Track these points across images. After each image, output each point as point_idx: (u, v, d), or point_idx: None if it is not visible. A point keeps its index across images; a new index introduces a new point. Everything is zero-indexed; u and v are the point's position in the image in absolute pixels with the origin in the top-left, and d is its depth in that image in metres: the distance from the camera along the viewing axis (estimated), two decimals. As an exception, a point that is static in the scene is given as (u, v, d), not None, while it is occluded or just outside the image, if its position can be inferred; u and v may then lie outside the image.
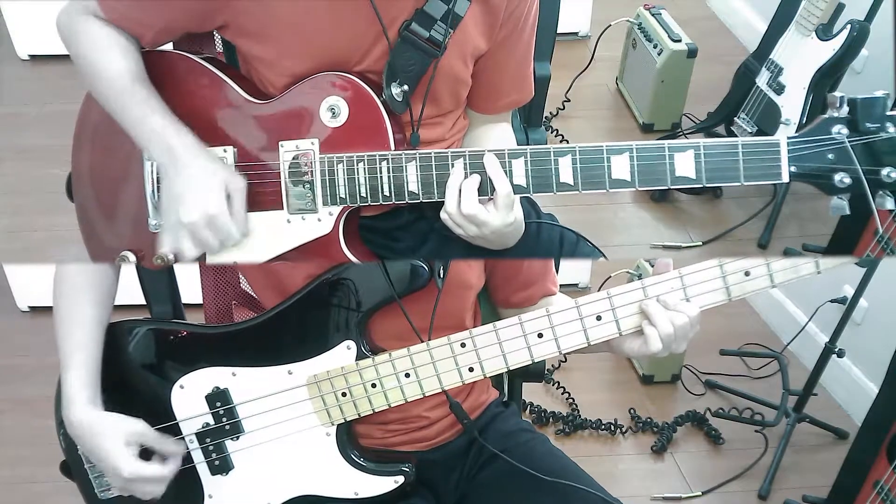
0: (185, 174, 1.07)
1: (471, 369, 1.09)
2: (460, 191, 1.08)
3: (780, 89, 2.39)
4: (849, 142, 1.00)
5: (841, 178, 1.01)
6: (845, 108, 1.00)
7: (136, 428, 1.10)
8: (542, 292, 1.25)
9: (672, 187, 1.06)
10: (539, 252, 1.24)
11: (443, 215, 1.10)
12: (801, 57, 2.33)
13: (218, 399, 1.14)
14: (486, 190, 1.08)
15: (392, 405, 1.12)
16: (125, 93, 1.09)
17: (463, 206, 1.07)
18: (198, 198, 1.07)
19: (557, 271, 1.30)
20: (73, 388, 1.10)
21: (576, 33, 3.41)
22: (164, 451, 1.12)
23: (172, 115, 1.10)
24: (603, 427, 2.30)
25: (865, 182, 1.00)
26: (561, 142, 2.86)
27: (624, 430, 2.31)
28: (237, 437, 1.15)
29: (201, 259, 1.17)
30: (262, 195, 1.14)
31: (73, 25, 1.13)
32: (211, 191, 1.07)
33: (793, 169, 1.02)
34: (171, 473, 1.11)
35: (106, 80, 1.10)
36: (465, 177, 1.08)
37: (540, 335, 1.06)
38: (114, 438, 1.08)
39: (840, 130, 1.00)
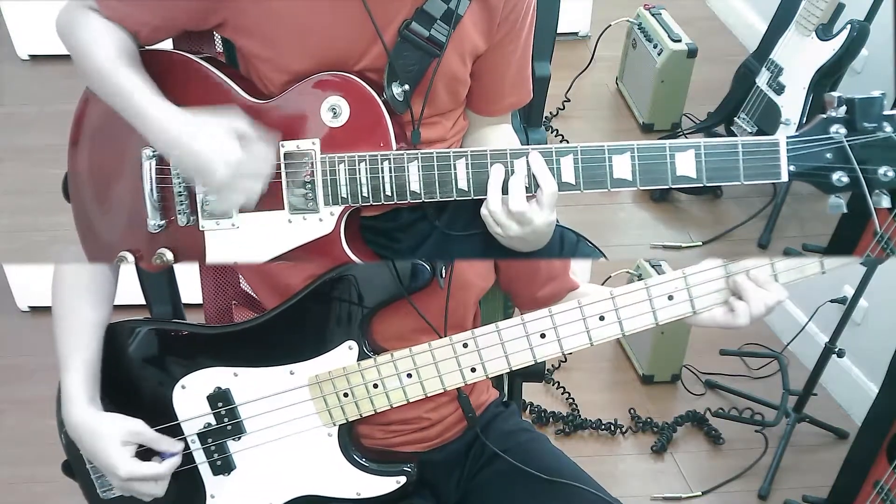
0: (190, 148, 1.05)
1: (473, 370, 1.09)
2: (504, 189, 1.07)
3: (780, 89, 2.39)
4: (847, 141, 1.01)
5: (839, 177, 1.02)
6: (843, 108, 1.01)
7: (133, 427, 1.10)
8: (567, 286, 1.25)
9: (673, 187, 1.06)
10: (539, 252, 1.24)
11: (483, 212, 1.10)
12: (801, 57, 2.33)
13: (220, 399, 1.14)
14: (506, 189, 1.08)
15: (394, 405, 1.12)
16: (114, 80, 1.08)
17: (512, 204, 1.07)
18: (215, 159, 1.04)
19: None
20: (73, 389, 1.10)
21: (576, 33, 3.41)
22: (162, 449, 1.12)
23: (159, 96, 1.08)
24: (603, 427, 2.30)
25: (863, 181, 1.01)
26: (561, 142, 2.86)
27: (624, 430, 2.31)
28: (239, 438, 1.15)
29: (201, 259, 1.17)
30: (262, 195, 1.13)
31: (72, 21, 1.12)
32: (221, 145, 1.04)
33: (792, 168, 1.03)
34: (169, 472, 1.11)
35: (97, 70, 1.09)
36: (506, 175, 1.08)
37: (542, 335, 1.06)
38: (110, 438, 1.08)
39: (838, 130, 1.01)
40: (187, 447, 1.15)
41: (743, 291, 1.02)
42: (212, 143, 1.05)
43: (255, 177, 1.09)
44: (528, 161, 1.07)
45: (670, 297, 1.04)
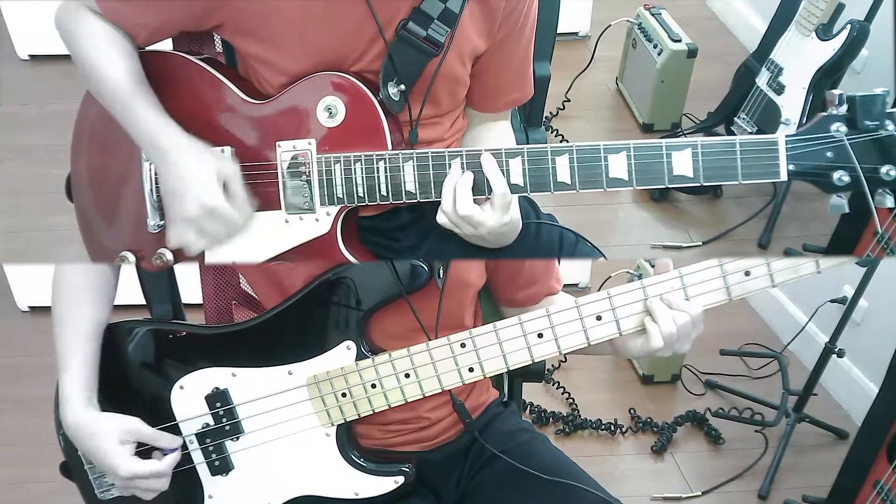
0: (176, 171, 1.07)
1: (471, 369, 1.09)
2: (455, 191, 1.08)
3: (780, 89, 2.39)
4: (847, 140, 0.99)
5: (840, 177, 1.00)
6: (844, 106, 0.99)
7: (129, 426, 1.10)
8: (545, 290, 1.25)
9: (670, 186, 1.05)
10: (538, 252, 1.24)
11: (439, 217, 1.10)
12: (802, 57, 2.33)
13: (218, 399, 1.14)
14: (483, 189, 1.08)
15: (392, 405, 1.12)
16: (118, 91, 1.09)
17: (458, 208, 1.07)
18: (193, 192, 1.06)
19: (557, 272, 1.30)
20: (70, 390, 1.10)
21: (576, 33, 3.41)
22: (161, 445, 1.12)
23: (162, 112, 1.10)
24: (603, 427, 2.30)
25: (864, 180, 0.99)
26: (561, 142, 2.86)
27: (624, 430, 2.31)
28: (237, 438, 1.15)
29: (201, 259, 1.18)
30: (259, 195, 1.13)
31: (71, 21, 1.13)
32: (205, 183, 1.06)
33: (791, 167, 1.01)
34: (170, 468, 1.11)
35: (100, 78, 1.10)
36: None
37: (540, 335, 1.06)
38: (109, 438, 1.08)
39: (839, 128, 0.99)
40: (185, 446, 1.15)
41: (653, 313, 1.02)
42: (197, 177, 1.06)
43: (220, 232, 1.09)
44: (480, 161, 1.07)
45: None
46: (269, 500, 1.17)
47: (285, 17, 1.09)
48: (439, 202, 1.09)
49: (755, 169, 1.02)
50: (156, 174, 1.15)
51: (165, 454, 1.12)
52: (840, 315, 2.06)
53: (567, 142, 2.86)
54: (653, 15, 2.87)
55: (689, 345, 1.05)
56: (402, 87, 1.11)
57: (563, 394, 2.39)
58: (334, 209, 1.13)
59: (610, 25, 3.06)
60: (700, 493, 2.13)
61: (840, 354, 2.10)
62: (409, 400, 1.11)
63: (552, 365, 2.46)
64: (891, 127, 0.98)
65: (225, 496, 1.18)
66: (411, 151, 1.10)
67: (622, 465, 2.24)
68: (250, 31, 1.11)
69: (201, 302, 1.36)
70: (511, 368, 1.08)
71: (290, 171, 1.13)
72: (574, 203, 2.48)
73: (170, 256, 1.18)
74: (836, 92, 1.00)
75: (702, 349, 2.47)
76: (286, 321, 1.12)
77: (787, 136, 1.01)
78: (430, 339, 1.08)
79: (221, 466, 1.16)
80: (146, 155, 1.13)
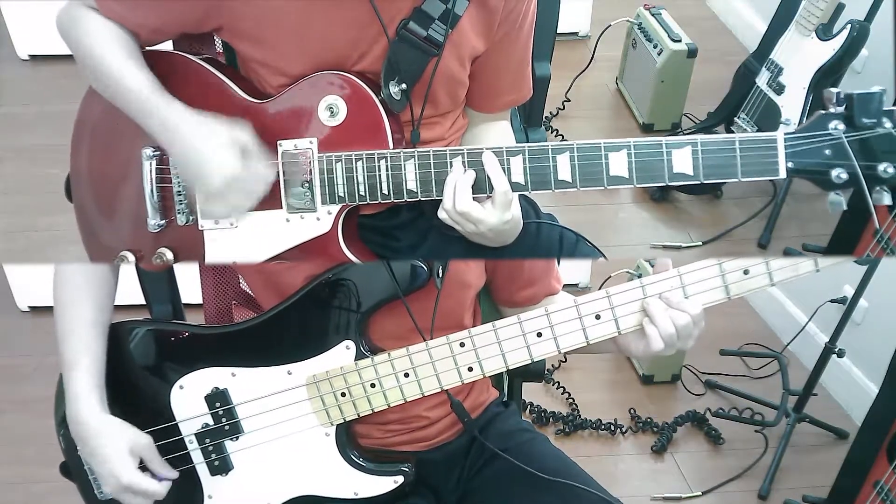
0: (193, 147, 1.07)
1: (470, 369, 1.08)
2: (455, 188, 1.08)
3: (780, 89, 2.39)
4: (845, 137, 0.99)
5: (838, 174, 1.01)
6: (842, 104, 1.00)
7: (143, 440, 1.11)
8: (545, 291, 1.25)
9: (670, 184, 1.06)
10: (539, 252, 1.24)
11: (440, 213, 1.10)
12: (801, 57, 2.33)
13: (217, 399, 1.14)
14: (484, 187, 1.08)
15: (391, 405, 1.11)
16: (122, 78, 1.09)
17: (457, 204, 1.07)
18: (214, 166, 1.06)
19: (557, 272, 1.30)
20: (83, 389, 1.10)
21: (576, 33, 3.41)
22: (160, 472, 1.12)
23: (166, 93, 1.09)
24: (603, 427, 2.30)
25: (862, 177, 1.00)
26: (561, 142, 2.86)
27: (624, 430, 2.31)
28: (237, 438, 1.15)
29: (201, 259, 1.18)
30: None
31: (73, 21, 1.13)
32: (223, 155, 1.06)
33: (790, 165, 1.02)
34: (162, 495, 1.11)
35: (103, 69, 1.10)
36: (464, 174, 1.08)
37: (539, 334, 1.06)
38: (119, 444, 1.09)
39: (837, 126, 1.00)
40: (185, 446, 1.15)
41: (652, 315, 1.02)
42: (213, 149, 1.07)
43: (247, 193, 1.10)
44: (482, 160, 1.07)
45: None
46: (269, 500, 1.17)
47: (284, 20, 1.09)
48: (440, 200, 1.09)
49: (754, 166, 1.03)
50: (156, 171, 1.15)
51: (159, 480, 1.12)
52: (840, 315, 2.06)
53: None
54: (653, 15, 2.87)
55: (693, 342, 1.05)
56: (404, 86, 1.11)
57: (563, 394, 2.39)
58: (335, 208, 1.13)
59: (610, 25, 3.06)
60: (700, 493, 2.13)
61: (840, 354, 2.10)
62: (408, 399, 1.11)
63: (552, 365, 2.47)
64: (888, 125, 0.98)
65: (224, 496, 1.18)
66: (413, 150, 1.10)
67: (622, 465, 2.24)
68: (250, 33, 1.11)
69: (201, 302, 1.36)
70: (510, 367, 1.08)
71: (292, 171, 1.13)
72: (574, 203, 2.49)
73: (170, 256, 1.18)
74: (834, 90, 1.00)
75: (702, 349, 2.46)
76: (285, 321, 1.12)
77: (785, 134, 1.02)
78: (425, 340, 1.08)
79: (221, 466, 1.16)
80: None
